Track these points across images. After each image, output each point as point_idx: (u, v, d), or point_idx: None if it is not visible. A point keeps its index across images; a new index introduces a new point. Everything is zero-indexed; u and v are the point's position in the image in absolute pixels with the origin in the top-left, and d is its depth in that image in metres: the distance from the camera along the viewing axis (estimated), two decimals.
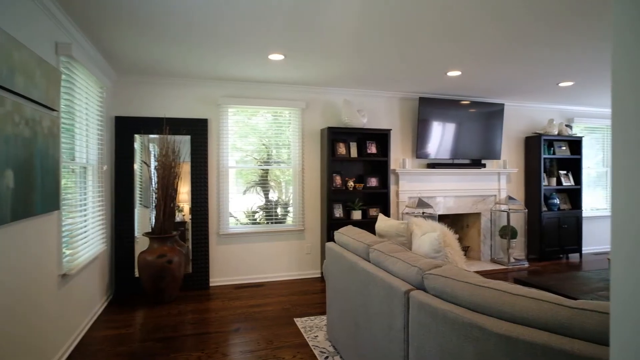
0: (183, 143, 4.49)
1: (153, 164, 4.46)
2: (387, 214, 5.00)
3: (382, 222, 2.89)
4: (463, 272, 1.61)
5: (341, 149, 4.92)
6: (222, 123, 4.66)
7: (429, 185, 5.43)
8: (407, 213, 5.19)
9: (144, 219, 4.54)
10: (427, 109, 5.27)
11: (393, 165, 5.31)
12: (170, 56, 3.66)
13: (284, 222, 5.02)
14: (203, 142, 4.52)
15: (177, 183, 4.21)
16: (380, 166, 5.15)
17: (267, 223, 4.96)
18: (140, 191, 4.56)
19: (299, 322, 3.42)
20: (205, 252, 4.52)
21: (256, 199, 4.99)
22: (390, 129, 5.03)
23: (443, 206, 5.52)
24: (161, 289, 3.89)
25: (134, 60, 3.76)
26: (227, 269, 4.70)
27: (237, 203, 4.88)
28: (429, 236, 2.30)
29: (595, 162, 6.64)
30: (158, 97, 4.45)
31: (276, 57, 3.66)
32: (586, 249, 6.40)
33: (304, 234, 4.99)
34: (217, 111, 4.64)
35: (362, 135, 5.11)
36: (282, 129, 4.95)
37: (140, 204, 4.57)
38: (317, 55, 3.64)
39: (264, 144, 4.93)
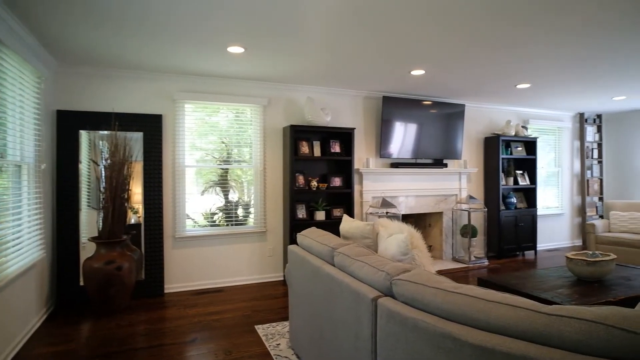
0: (135, 140, 4.18)
1: (103, 162, 4.12)
2: (351, 214, 4.92)
3: (347, 224, 2.78)
4: (434, 277, 1.52)
5: (304, 148, 4.78)
6: (178, 119, 4.38)
7: (392, 185, 5.41)
8: (371, 213, 5.14)
9: (93, 222, 4.18)
10: (391, 108, 5.24)
11: (357, 164, 5.24)
12: (120, 45, 3.36)
13: (244, 224, 4.81)
14: (157, 139, 4.23)
15: (129, 183, 3.90)
16: (344, 166, 5.06)
17: (227, 225, 4.73)
18: (89, 192, 4.20)
19: (260, 329, 3.25)
20: (159, 257, 4.23)
21: (215, 200, 4.75)
22: (354, 128, 4.96)
23: (406, 206, 5.52)
24: (109, 298, 3.58)
25: (78, 49, 3.43)
26: (183, 274, 4.43)
27: (195, 204, 4.62)
28: (396, 238, 2.21)
29: (547, 162, 6.91)
30: (107, 90, 4.11)
31: (236, 49, 3.47)
32: (540, 246, 6.65)
33: (265, 235, 4.81)
34: (172, 107, 4.36)
35: (325, 134, 5.00)
36: (244, 128, 4.75)
37: (89, 205, 4.21)
38: (279, 49, 3.48)
39: (223, 142, 4.70)
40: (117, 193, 3.75)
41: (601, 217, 7.28)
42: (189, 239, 4.45)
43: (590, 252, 3.15)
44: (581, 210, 7.12)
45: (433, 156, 5.63)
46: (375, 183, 5.30)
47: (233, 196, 4.83)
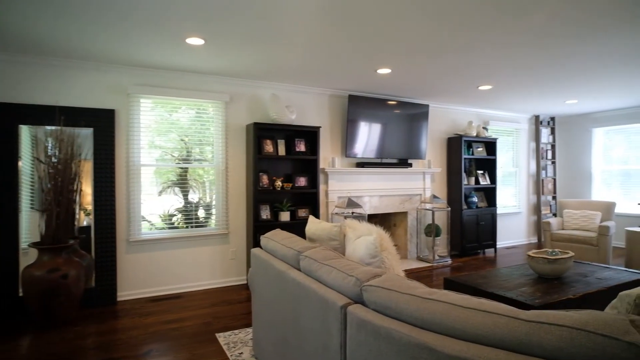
0: (85, 137, 3.86)
1: (46, 160, 3.76)
2: (316, 214, 4.82)
3: (313, 225, 2.66)
4: (406, 283, 1.44)
5: (268, 147, 4.62)
6: (133, 115, 4.10)
7: (358, 185, 5.36)
8: (336, 213, 5.06)
9: (37, 225, 3.82)
10: (357, 107, 5.19)
11: (322, 164, 5.15)
12: (64, 32, 3.07)
13: (205, 226, 4.58)
14: (109, 136, 3.93)
15: (77, 183, 3.59)
16: (309, 165, 4.95)
17: (187, 227, 4.49)
18: (32, 193, 3.84)
19: (222, 337, 3.07)
20: (111, 262, 3.93)
21: (174, 201, 4.49)
22: (320, 127, 4.86)
23: (372, 206, 5.49)
24: (53, 310, 3.27)
25: (18, 34, 3.10)
26: (138, 280, 4.14)
27: (152, 205, 4.34)
28: (365, 240, 2.12)
29: (506, 162, 7.13)
30: (51, 82, 3.77)
31: (195, 41, 3.26)
32: (500, 243, 6.85)
33: (228, 237, 4.61)
34: (126, 101, 4.07)
35: (290, 133, 4.87)
36: (207, 125, 4.52)
37: (32, 207, 3.84)
38: (242, 43, 3.31)
39: (182, 140, 4.46)
40: (63, 193, 3.43)
41: (554, 215, 7.62)
42: (145, 242, 4.18)
43: (550, 251, 3.22)
44: (537, 209, 7.41)
45: (398, 156, 5.64)
46: (341, 183, 5.23)
47: (193, 197, 4.60)
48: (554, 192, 7.60)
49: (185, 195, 4.54)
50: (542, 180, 7.40)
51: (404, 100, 5.65)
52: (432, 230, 5.66)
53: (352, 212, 5.12)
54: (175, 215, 4.52)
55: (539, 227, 7.35)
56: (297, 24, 2.92)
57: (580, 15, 2.81)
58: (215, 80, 4.46)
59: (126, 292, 4.07)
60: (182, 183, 4.49)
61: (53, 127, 3.64)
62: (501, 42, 3.35)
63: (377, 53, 3.63)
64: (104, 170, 3.90)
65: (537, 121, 7.33)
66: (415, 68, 4.14)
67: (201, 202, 4.66)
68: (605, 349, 0.98)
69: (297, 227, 4.68)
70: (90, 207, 3.99)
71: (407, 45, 3.43)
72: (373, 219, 5.97)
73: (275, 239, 2.53)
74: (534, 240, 7.43)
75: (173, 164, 4.41)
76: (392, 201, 5.69)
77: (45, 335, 3.14)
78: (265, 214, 4.63)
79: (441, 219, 6.10)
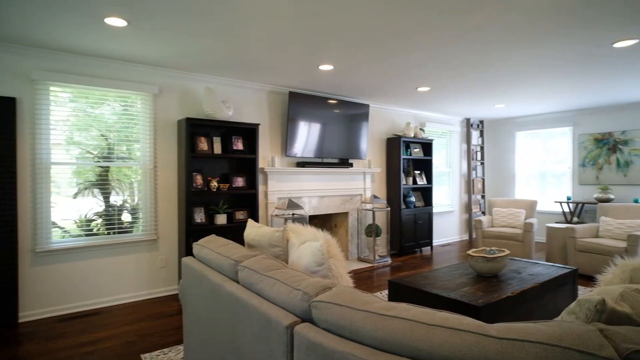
0: None
1: None
2: (255, 216, 4.56)
3: (253, 230, 2.43)
4: (361, 296, 1.28)
5: (203, 144, 4.27)
6: (41, 106, 3.54)
7: (298, 185, 5.19)
8: (276, 215, 4.84)
9: None
10: (297, 104, 5.01)
11: (261, 163, 4.90)
12: None
13: (131, 231, 4.12)
14: (7, 129, 3.35)
15: None
16: (247, 164, 4.67)
17: (109, 233, 4.00)
18: None
19: (148, 358, 2.72)
20: (11, 277, 3.35)
21: (93, 204, 3.97)
22: (259, 124, 4.61)
23: (313, 206, 5.34)
24: None
25: None
26: (48, 296, 3.59)
27: (66, 210, 3.80)
28: (310, 246, 1.94)
29: (440, 163, 7.39)
30: None
31: (116, 22, 2.86)
32: (435, 241, 7.08)
33: (157, 244, 4.18)
34: (31, 89, 3.50)
35: (227, 130, 4.55)
36: (135, 121, 4.06)
37: None
38: (171, 28, 2.97)
39: (102, 135, 3.96)
40: None
41: (483, 213, 8.06)
42: (56, 252, 3.63)
43: (488, 249, 3.29)
44: (468, 208, 7.78)
45: (339, 156, 5.55)
46: (280, 183, 5.02)
47: (116, 199, 4.11)
48: (483, 191, 8.05)
49: (107, 198, 4.04)
50: (473, 180, 7.79)
51: (345, 100, 5.58)
52: (372, 231, 5.66)
53: (293, 214, 4.93)
54: (94, 220, 4.00)
55: (470, 225, 7.73)
56: (234, 11, 2.66)
57: (511, 25, 2.89)
58: (142, 70, 4.02)
59: (31, 311, 3.50)
60: (103, 184, 3.99)
61: None
62: (440, 44, 3.37)
63: (320, 48, 3.48)
64: (1, 169, 3.31)
65: (468, 124, 7.69)
66: (358, 66, 4.06)
67: (126, 205, 4.18)
68: None
69: (235, 231, 4.39)
70: None
71: (350, 42, 3.32)
72: (313, 220, 5.84)
73: (209, 246, 2.26)
74: (466, 237, 7.80)
75: (92, 162, 3.90)
76: (333, 202, 5.59)
77: None
78: (200, 217, 4.28)
79: (381, 219, 6.14)
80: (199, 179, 4.27)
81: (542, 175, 7.41)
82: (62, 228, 3.81)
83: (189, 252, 4.06)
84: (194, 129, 4.28)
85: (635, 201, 6.14)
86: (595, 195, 6.31)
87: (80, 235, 3.88)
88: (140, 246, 4.08)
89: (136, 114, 4.07)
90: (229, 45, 3.40)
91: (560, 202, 6.72)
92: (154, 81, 4.11)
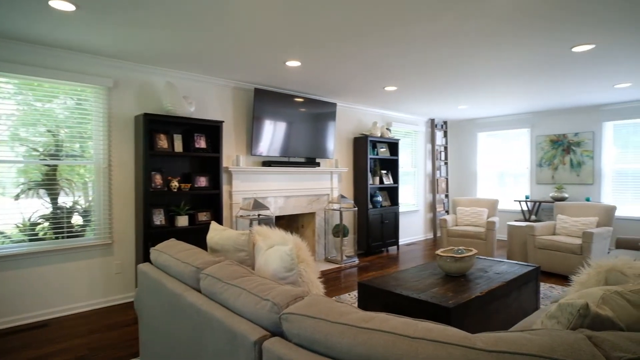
0: None
1: None
2: (219, 217, 4.37)
3: (216, 233, 2.28)
4: (336, 306, 1.18)
5: (162, 142, 4.03)
6: None
7: (264, 185, 5.03)
8: (241, 216, 4.66)
9: None
10: (263, 102, 4.86)
11: (226, 162, 4.71)
12: None
13: (82, 235, 3.81)
14: None
15: None
16: (211, 163, 4.47)
17: (57, 238, 3.68)
18: None
19: None
20: None
21: (39, 206, 3.64)
22: (223, 121, 4.41)
23: (279, 207, 5.21)
24: None
25: None
26: None
27: (5, 213, 3.45)
28: (278, 250, 1.82)
29: (405, 163, 7.46)
30: None
31: (63, 5, 2.61)
32: (401, 241, 7.13)
33: (111, 248, 3.90)
34: None
35: (189, 127, 4.33)
36: (89, 117, 3.76)
37: None
38: (125, 13, 2.75)
39: (49, 131, 3.63)
40: None
41: (447, 212, 8.22)
42: None
43: (456, 249, 3.30)
44: (432, 207, 7.91)
45: (306, 155, 5.45)
46: (246, 183, 4.85)
47: (66, 200, 3.79)
48: (447, 190, 8.21)
49: (54, 199, 3.72)
50: (437, 179, 7.93)
51: (312, 98, 5.48)
52: (340, 231, 5.60)
53: (259, 215, 4.77)
54: (39, 223, 3.67)
55: (434, 224, 7.86)
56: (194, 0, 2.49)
57: (476, 28, 2.90)
58: (95, 61, 3.72)
59: None
60: (50, 184, 3.66)
61: None
62: (408, 43, 3.34)
63: (287, 43, 3.36)
64: None
65: (432, 124, 7.82)
66: (326, 63, 3.97)
67: (77, 206, 3.87)
68: None
69: (197, 233, 4.18)
70: None
71: (318, 38, 3.22)
72: (280, 220, 5.70)
73: (168, 251, 2.08)
74: (430, 236, 7.92)
75: (37, 160, 3.57)
76: (299, 202, 5.48)
77: None
78: (159, 219, 4.03)
79: (348, 219, 6.09)
80: (158, 179, 4.02)
81: (502, 175, 7.65)
82: (1, 233, 3.46)
83: (147, 255, 3.81)
84: (153, 125, 4.03)
85: (587, 200, 6.46)
86: (551, 194, 6.58)
87: (23, 241, 3.54)
88: (92, 251, 3.79)
89: (89, 109, 3.77)
90: (191, 38, 3.21)
91: (519, 201, 6.96)
92: (108, 73, 3.82)
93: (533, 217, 6.82)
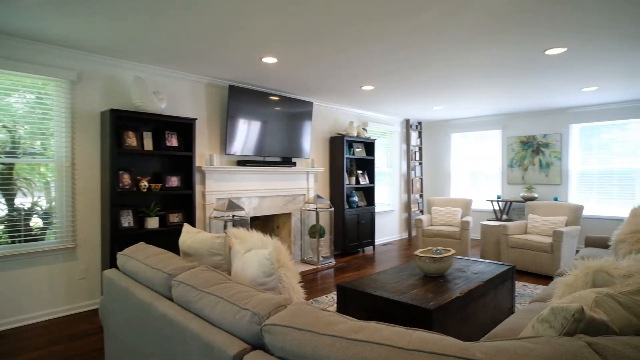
0: None
1: None
2: (192, 219, 4.20)
3: (189, 236, 2.15)
4: (323, 316, 1.09)
5: (131, 140, 3.83)
6: None
7: (239, 185, 4.89)
8: (215, 217, 4.51)
9: None
10: (238, 99, 4.71)
11: (199, 161, 4.54)
12: None
13: (42, 239, 3.56)
14: None
15: None
16: (183, 162, 4.29)
17: (13, 242, 3.42)
18: None
19: None
20: None
21: None
22: (196, 119, 4.24)
23: (254, 207, 5.07)
24: None
25: None
26: None
27: None
28: (257, 254, 1.72)
29: (381, 163, 7.47)
30: None
31: None
32: (377, 240, 7.13)
33: (75, 252, 3.66)
34: None
35: (160, 124, 4.14)
36: (51, 113, 3.51)
37: None
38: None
39: (5, 126, 3.37)
40: None
41: (421, 212, 8.30)
42: None
43: (435, 249, 3.28)
44: (407, 207, 7.96)
45: (281, 154, 5.34)
46: (220, 183, 4.69)
47: (24, 202, 3.53)
48: (421, 190, 8.29)
49: (10, 201, 3.45)
50: (412, 179, 7.99)
51: (289, 96, 5.38)
52: (316, 231, 5.52)
53: (233, 216, 4.63)
54: None
55: (409, 223, 7.91)
56: None
57: (453, 30, 2.89)
58: (57, 53, 3.48)
59: None
60: (5, 184, 3.40)
61: None
62: (386, 42, 3.30)
63: (263, 38, 3.25)
64: None
65: (407, 125, 7.87)
66: (303, 60, 3.88)
67: (36, 208, 3.61)
68: None
69: (168, 236, 4.00)
70: None
71: (295, 34, 3.13)
72: (255, 221, 5.57)
73: (137, 256, 1.94)
74: (405, 236, 7.97)
75: None
76: (275, 202, 5.36)
77: None
78: (128, 220, 3.83)
79: (324, 219, 6.03)
80: (126, 178, 3.82)
81: (475, 175, 7.79)
82: None
83: (114, 260, 3.60)
84: (121, 122, 3.82)
85: (555, 199, 6.66)
86: (521, 194, 6.74)
87: None
88: (54, 256, 3.54)
89: (51, 104, 3.53)
90: (161, 29, 3.04)
91: (492, 201, 7.10)
92: (71, 66, 3.59)
93: (504, 216, 6.98)
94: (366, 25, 2.99)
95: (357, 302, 2.86)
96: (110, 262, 3.60)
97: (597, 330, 1.08)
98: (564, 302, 1.19)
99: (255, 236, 1.93)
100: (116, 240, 3.63)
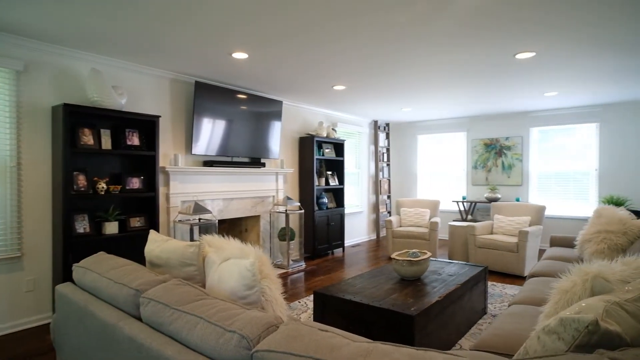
0: None
1: None
2: (155, 223, 3.93)
3: (157, 245, 1.95)
4: (324, 339, 0.97)
5: (87, 138, 3.52)
6: None
7: (205, 187, 4.65)
8: (180, 221, 4.25)
9: None
10: (205, 96, 4.48)
11: (162, 162, 4.26)
12: None
13: None
14: None
15: None
16: (145, 163, 4.00)
17: None
18: None
19: None
20: None
21: None
22: (159, 116, 3.98)
23: (221, 210, 4.85)
24: None
25: None
26: None
27: None
28: (237, 264, 1.56)
29: (350, 164, 7.43)
30: None
31: None
32: (346, 242, 7.07)
33: (21, 262, 3.31)
34: None
35: (119, 121, 3.84)
36: None
37: None
38: None
39: None
40: None
41: (389, 213, 8.35)
42: None
43: (411, 252, 3.24)
44: (376, 208, 7.98)
45: (250, 155, 5.14)
46: (185, 184, 4.43)
47: None
48: (389, 191, 8.34)
49: None
50: (380, 180, 8.01)
51: (258, 95, 5.19)
52: (286, 234, 5.37)
53: (200, 219, 4.39)
54: None
55: (378, 224, 7.92)
56: None
57: (426, 31, 2.86)
58: (1, 39, 3.13)
59: None
60: None
61: None
62: (358, 40, 3.22)
63: (232, 31, 3.07)
64: None
65: (375, 126, 7.88)
66: (274, 57, 3.73)
67: None
68: None
69: (129, 241, 3.71)
70: None
71: (266, 29, 2.98)
72: (222, 224, 5.34)
73: (97, 269, 1.72)
74: (374, 237, 7.98)
75: None
76: (243, 204, 5.16)
77: None
78: (83, 226, 3.51)
79: (294, 222, 5.88)
80: (81, 180, 3.50)
81: (441, 176, 7.93)
82: None
83: (68, 270, 3.29)
84: (76, 118, 3.50)
85: (517, 200, 6.89)
86: (485, 195, 6.92)
87: None
88: None
89: None
90: (120, 17, 2.79)
91: (457, 202, 7.24)
92: (17, 54, 3.23)
93: (469, 216, 7.14)
94: (342, 22, 2.89)
95: (336, 309, 2.75)
96: (63, 272, 3.28)
97: (610, 342, 1.03)
98: (573, 312, 1.14)
99: (233, 244, 1.77)
100: (70, 247, 3.31)
